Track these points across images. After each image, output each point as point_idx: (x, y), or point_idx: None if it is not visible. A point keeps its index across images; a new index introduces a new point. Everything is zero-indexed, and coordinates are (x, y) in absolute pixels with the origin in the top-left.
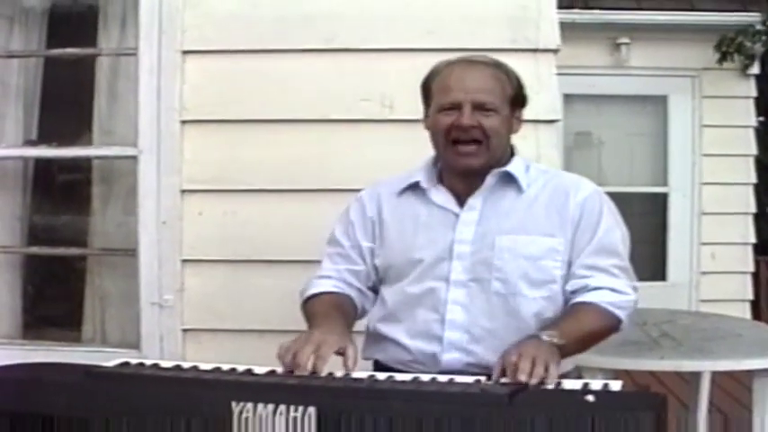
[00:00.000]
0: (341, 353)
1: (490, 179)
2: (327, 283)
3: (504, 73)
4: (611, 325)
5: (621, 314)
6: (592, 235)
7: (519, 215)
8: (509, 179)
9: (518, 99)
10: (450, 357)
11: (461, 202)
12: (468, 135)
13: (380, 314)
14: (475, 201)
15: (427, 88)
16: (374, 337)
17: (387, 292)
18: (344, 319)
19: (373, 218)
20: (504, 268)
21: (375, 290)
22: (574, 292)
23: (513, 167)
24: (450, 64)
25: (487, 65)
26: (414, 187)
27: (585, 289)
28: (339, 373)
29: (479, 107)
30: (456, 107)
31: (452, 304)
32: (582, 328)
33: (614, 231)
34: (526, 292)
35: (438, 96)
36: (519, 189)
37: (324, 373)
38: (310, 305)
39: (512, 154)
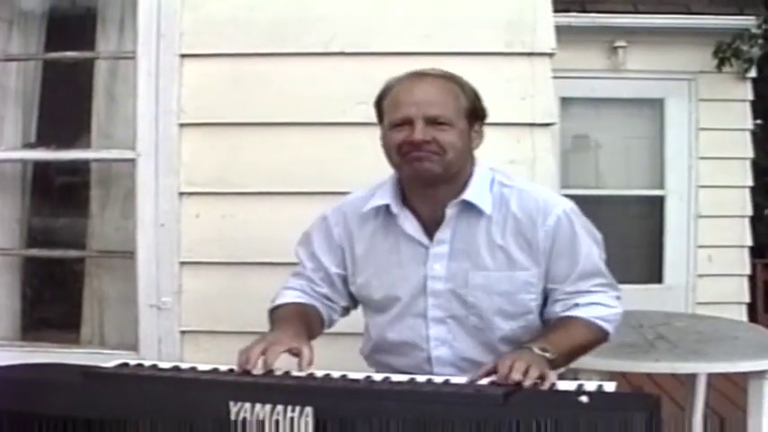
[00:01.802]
0: (295, 353)
1: (450, 211)
2: (293, 294)
3: (457, 85)
4: (598, 338)
5: (609, 327)
6: (570, 263)
7: (490, 248)
8: (472, 206)
9: (475, 112)
10: None
11: (429, 231)
12: (423, 150)
13: (369, 346)
14: (443, 234)
15: (379, 106)
16: (372, 361)
17: (371, 324)
18: (303, 323)
19: (342, 245)
20: (478, 305)
21: (346, 306)
22: (563, 312)
23: (472, 194)
24: (401, 79)
25: (438, 77)
26: (380, 210)
27: (576, 307)
28: (336, 374)
29: (432, 121)
30: (407, 123)
31: (435, 341)
32: (572, 342)
33: (591, 253)
34: (502, 325)
35: (389, 112)
36: (481, 213)
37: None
38: (274, 315)
39: (471, 172)
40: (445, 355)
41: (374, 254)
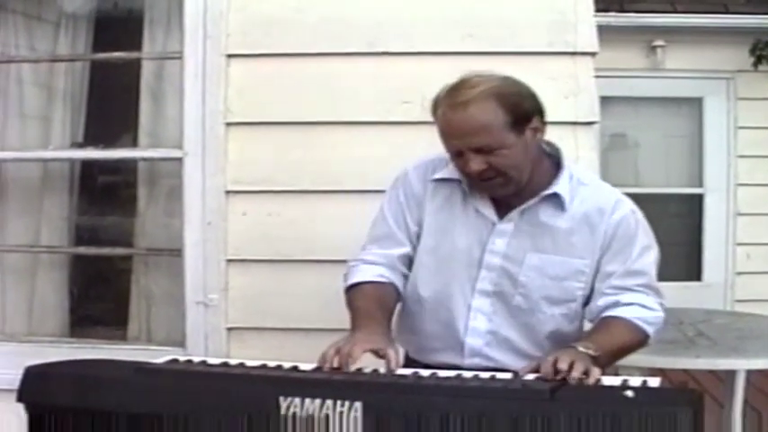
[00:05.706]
0: (381, 355)
1: (534, 200)
2: (370, 272)
3: (495, 100)
4: (639, 340)
5: (650, 330)
6: (624, 260)
7: (553, 234)
8: (554, 196)
9: (522, 117)
10: (470, 362)
11: (500, 210)
12: (483, 176)
13: (407, 313)
14: (514, 214)
15: (434, 113)
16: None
17: (420, 284)
18: (387, 316)
19: (421, 200)
20: (528, 285)
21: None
22: (605, 308)
23: (561, 187)
24: (442, 103)
25: (472, 101)
26: (454, 181)
27: (617, 305)
28: (383, 370)
29: (479, 150)
30: (459, 154)
31: (476, 312)
32: (613, 341)
33: (646, 255)
34: (545, 309)
35: (442, 138)
36: (562, 207)
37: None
38: (353, 297)
39: (558, 164)
40: (482, 326)
41: (440, 215)
